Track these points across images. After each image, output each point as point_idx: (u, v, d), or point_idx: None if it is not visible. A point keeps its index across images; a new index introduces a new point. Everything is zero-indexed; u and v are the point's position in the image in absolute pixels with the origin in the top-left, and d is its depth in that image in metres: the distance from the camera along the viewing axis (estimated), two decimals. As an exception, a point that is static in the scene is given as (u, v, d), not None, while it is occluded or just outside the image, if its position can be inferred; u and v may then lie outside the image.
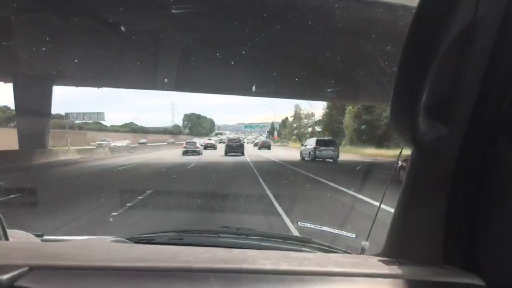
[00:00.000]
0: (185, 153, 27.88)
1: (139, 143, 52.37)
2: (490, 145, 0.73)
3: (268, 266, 0.76)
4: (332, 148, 22.14)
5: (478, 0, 0.67)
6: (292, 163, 20.11)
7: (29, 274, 0.71)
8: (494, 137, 0.73)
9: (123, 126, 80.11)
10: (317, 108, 72.84)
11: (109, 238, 1.18)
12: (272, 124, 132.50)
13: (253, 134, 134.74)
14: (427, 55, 0.68)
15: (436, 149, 0.79)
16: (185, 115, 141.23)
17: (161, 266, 0.76)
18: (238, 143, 29.16)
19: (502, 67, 0.69)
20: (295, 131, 72.36)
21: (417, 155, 0.83)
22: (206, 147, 35.76)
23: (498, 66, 0.69)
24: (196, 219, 5.68)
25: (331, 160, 21.60)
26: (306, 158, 22.88)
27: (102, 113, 36.26)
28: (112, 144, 39.69)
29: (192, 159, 22.52)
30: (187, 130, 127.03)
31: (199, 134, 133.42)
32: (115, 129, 66.25)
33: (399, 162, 5.59)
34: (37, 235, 1.20)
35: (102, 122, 65.23)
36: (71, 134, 41.03)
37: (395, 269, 0.80)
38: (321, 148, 21.82)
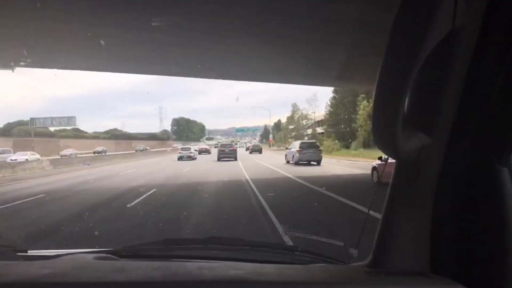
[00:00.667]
0: (180, 158, 29.08)
1: (94, 152, 40.90)
2: (473, 153, 0.74)
3: (252, 278, 0.78)
4: (314, 150, 22.84)
5: (456, 9, 0.67)
6: (277, 165, 21.48)
7: None
8: (477, 145, 0.73)
9: (105, 132, 74.83)
10: (317, 107, 70.09)
11: (93, 254, 1.12)
12: (265, 127, 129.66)
13: (246, 138, 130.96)
14: (407, 66, 0.69)
15: (419, 159, 0.79)
16: (174, 120, 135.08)
17: (139, 281, 0.76)
18: (230, 148, 28.80)
19: (482, 76, 0.70)
20: (293, 133, 66.94)
21: (400, 165, 0.84)
22: (200, 152, 37.05)
23: (478, 76, 0.70)
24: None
25: (315, 163, 22.20)
26: (290, 162, 23.29)
27: (74, 118, 31.35)
28: (61, 153, 33.47)
29: (166, 175, 16.82)
30: (175, 136, 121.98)
31: (189, 139, 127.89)
32: (94, 136, 60.94)
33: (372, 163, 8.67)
34: (20, 251, 1.20)
35: (81, 128, 60.05)
36: (40, 143, 35.85)
37: (380, 280, 0.80)
38: (304, 151, 22.45)
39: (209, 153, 36.85)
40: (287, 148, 26.83)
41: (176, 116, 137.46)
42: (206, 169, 20.00)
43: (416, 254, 0.84)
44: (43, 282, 0.76)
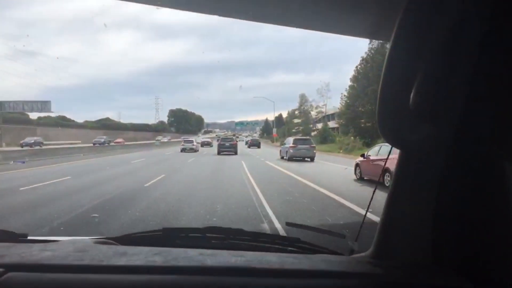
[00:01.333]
0: (183, 150, 30.88)
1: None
2: (478, 146, 0.74)
3: (252, 266, 0.80)
4: (308, 146, 22.58)
5: (463, 3, 0.68)
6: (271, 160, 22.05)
7: (6, 275, 0.72)
8: (482, 137, 0.74)
9: (96, 122, 69.73)
10: (329, 99, 60.65)
11: (93, 239, 1.14)
12: (266, 120, 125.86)
13: (245, 132, 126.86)
14: (413, 57, 0.71)
15: (424, 150, 0.80)
16: (171, 111, 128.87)
17: (141, 265, 0.77)
18: (231, 142, 28.67)
19: (489, 68, 0.70)
20: (300, 128, 59.60)
21: (404, 156, 0.85)
22: (203, 144, 40.16)
23: (485, 67, 0.70)
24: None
25: (308, 160, 22.00)
26: (284, 157, 23.23)
27: (48, 102, 26.38)
28: (22, 142, 27.77)
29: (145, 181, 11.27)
30: (172, 128, 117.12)
31: (187, 132, 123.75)
32: (81, 125, 55.29)
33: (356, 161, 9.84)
34: (20, 236, 1.19)
35: (68, 116, 54.78)
36: (11, 130, 30.68)
37: (381, 270, 0.81)
38: (298, 147, 22.29)
39: (211, 146, 38.80)
40: (282, 144, 26.38)
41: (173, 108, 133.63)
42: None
43: (418, 245, 0.85)
44: (44, 264, 0.77)
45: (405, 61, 0.70)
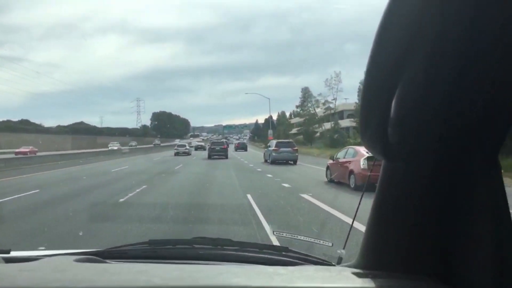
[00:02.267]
0: (177, 154, 34.16)
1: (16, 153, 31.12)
2: (462, 154, 0.78)
3: (238, 283, 0.81)
4: (290, 149, 23.09)
5: (444, 11, 0.69)
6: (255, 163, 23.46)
7: None
8: (465, 146, 0.77)
9: (67, 127, 68.24)
10: (341, 92, 47.18)
11: (77, 254, 1.13)
12: (256, 123, 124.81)
13: (234, 135, 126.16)
14: (394, 66, 0.71)
15: (407, 160, 0.82)
16: (154, 114, 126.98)
17: (123, 287, 0.78)
18: (222, 146, 29.18)
19: (471, 78, 0.72)
20: (301, 129, 51.71)
21: (388, 166, 0.87)
22: (196, 148, 44.86)
23: (468, 78, 0.72)
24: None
25: (291, 163, 22.43)
26: (267, 160, 23.94)
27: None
28: None
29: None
30: (155, 132, 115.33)
31: (172, 136, 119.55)
32: (41, 130, 52.88)
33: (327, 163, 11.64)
34: (2, 252, 1.19)
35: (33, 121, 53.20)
36: None
37: (367, 282, 0.84)
38: (281, 149, 22.87)
39: (204, 149, 41.05)
40: (268, 147, 26.51)
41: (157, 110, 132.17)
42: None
43: (404, 255, 0.88)
44: (23, 287, 0.79)
45: (386, 71, 0.70)
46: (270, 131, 49.83)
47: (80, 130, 65.06)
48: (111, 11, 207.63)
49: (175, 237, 1.44)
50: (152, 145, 62.58)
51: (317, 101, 49.45)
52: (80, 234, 5.35)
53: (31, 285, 0.78)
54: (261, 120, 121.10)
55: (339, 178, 11.81)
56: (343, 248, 1.19)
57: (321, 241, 1.50)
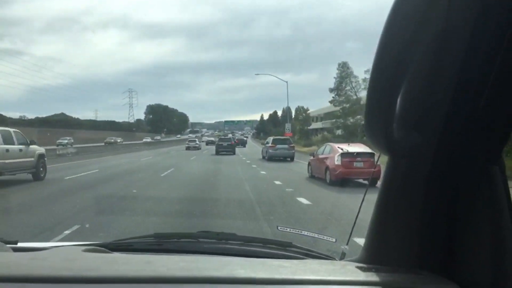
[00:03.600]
0: (188, 148, 40.53)
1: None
2: (464, 152, 0.84)
3: (243, 274, 0.87)
4: (287, 146, 24.89)
5: (449, 9, 0.76)
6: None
7: None
8: (467, 143, 0.83)
9: (36, 119, 67.09)
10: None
11: (84, 245, 1.24)
12: (262, 118, 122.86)
13: (236, 131, 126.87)
14: (400, 63, 0.78)
15: (411, 156, 0.89)
16: (149, 107, 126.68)
17: (131, 276, 0.84)
18: (229, 142, 33.24)
19: (474, 75, 0.79)
20: (339, 121, 40.83)
21: (392, 162, 0.94)
22: (207, 143, 53.48)
23: (470, 74, 0.79)
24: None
25: (288, 159, 24.33)
26: (265, 157, 25.80)
27: None
28: None
29: None
30: (150, 127, 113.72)
31: (168, 132, 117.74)
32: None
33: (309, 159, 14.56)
34: (10, 243, 1.29)
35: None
36: None
37: (370, 276, 0.91)
38: (277, 146, 24.78)
39: (214, 144, 44.51)
40: (266, 143, 28.12)
41: (153, 103, 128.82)
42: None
43: (407, 250, 0.94)
44: (33, 275, 0.85)
45: (391, 68, 0.78)
46: (287, 126, 40.48)
47: (52, 123, 61.25)
48: (113, 5, 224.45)
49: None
50: (141, 141, 61.11)
51: (357, 82, 39.25)
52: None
53: (43, 273, 0.84)
54: (266, 116, 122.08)
55: (318, 173, 13.48)
56: (347, 244, 1.29)
57: (325, 237, 1.62)
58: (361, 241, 1.10)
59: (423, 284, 0.86)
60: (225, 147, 31.90)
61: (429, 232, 0.90)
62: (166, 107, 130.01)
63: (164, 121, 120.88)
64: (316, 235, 1.64)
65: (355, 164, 11.58)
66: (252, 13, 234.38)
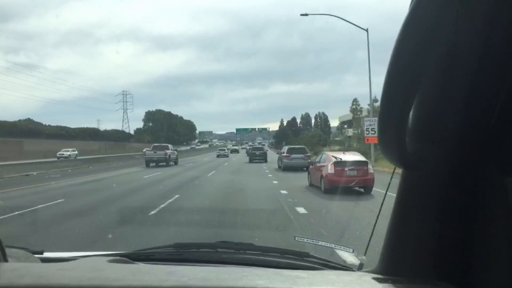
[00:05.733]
0: (218, 156, 55.66)
1: None
2: (479, 164, 0.95)
3: (261, 285, 1.01)
4: (303, 156, 28.03)
5: (460, 20, 0.86)
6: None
7: None
8: (481, 155, 0.94)
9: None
10: None
11: (107, 256, 1.48)
12: (281, 124, 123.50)
13: (248, 141, 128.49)
14: (413, 76, 0.90)
15: (425, 169, 1.02)
16: (148, 113, 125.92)
17: (154, 286, 1.00)
18: (261, 151, 44.04)
19: (487, 88, 0.89)
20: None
21: (406, 174, 1.08)
22: (232, 151, 71.87)
23: (484, 87, 0.89)
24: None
25: (305, 169, 25.29)
26: (280, 167, 29.66)
27: None
28: None
29: None
30: (150, 137, 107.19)
31: (173, 142, 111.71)
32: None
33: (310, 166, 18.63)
34: (36, 253, 1.53)
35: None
36: None
37: (387, 287, 1.04)
38: (292, 156, 28.08)
39: (238, 152, 66.03)
40: (281, 153, 31.53)
41: (153, 109, 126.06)
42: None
43: (423, 261, 1.07)
44: (63, 285, 0.99)
45: (404, 80, 0.91)
46: (368, 121, 28.49)
47: (10, 132, 56.89)
48: (125, 19, 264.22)
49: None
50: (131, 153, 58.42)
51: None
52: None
53: (72, 283, 0.99)
54: (285, 122, 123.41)
55: (316, 182, 15.98)
56: (364, 255, 1.51)
57: (342, 247, 1.91)
58: (370, 249, 1.40)
59: None
60: (258, 156, 41.91)
61: (445, 243, 1.03)
62: (169, 113, 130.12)
63: (166, 130, 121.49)
64: (333, 246, 1.89)
65: (348, 172, 13.77)
66: (262, 24, 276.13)
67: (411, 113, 0.94)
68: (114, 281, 1.03)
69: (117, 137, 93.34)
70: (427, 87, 0.93)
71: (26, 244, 1.57)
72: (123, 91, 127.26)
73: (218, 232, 7.97)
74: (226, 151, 63.68)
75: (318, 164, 16.04)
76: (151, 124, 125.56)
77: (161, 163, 34.15)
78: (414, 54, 0.89)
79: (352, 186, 13.84)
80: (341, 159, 14.43)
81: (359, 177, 13.73)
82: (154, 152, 35.19)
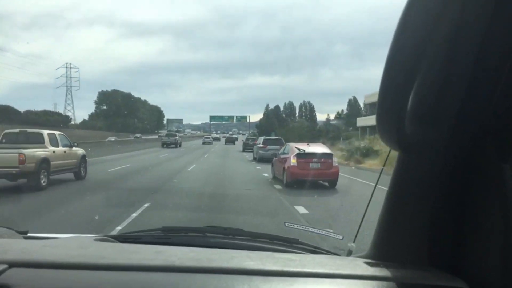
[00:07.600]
0: (204, 143, 74.46)
1: None
2: (475, 148, 1.07)
3: (252, 266, 1.14)
4: (278, 147, 28.92)
5: (463, 6, 0.97)
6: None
7: (8, 271, 1.05)
8: (479, 140, 1.06)
9: None
10: None
11: (93, 236, 1.71)
12: (266, 112, 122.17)
13: (220, 130, 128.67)
14: (413, 59, 1.02)
15: (422, 152, 1.14)
16: (101, 94, 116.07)
17: (143, 264, 1.11)
18: (253, 141, 51.72)
19: (487, 72, 1.00)
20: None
21: (403, 158, 1.20)
22: (214, 139, 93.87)
23: (484, 71, 1.00)
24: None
25: None
26: (255, 157, 33.30)
27: None
28: None
29: None
30: (102, 123, 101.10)
31: (134, 130, 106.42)
32: None
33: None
34: (21, 233, 1.77)
35: None
36: None
37: (379, 271, 1.16)
38: (268, 147, 31.15)
39: (219, 140, 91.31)
40: (257, 144, 35.15)
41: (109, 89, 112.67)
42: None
43: (415, 247, 1.21)
44: (46, 260, 1.09)
45: (404, 63, 1.02)
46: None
47: None
48: (99, 2, 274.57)
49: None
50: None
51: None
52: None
53: (56, 259, 1.07)
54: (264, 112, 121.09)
55: (278, 174, 17.06)
56: (353, 242, 1.70)
57: (332, 234, 2.16)
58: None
59: (431, 280, 1.09)
60: (251, 145, 45.00)
61: (438, 229, 1.16)
62: (129, 94, 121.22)
63: (124, 115, 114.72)
64: (323, 232, 2.15)
65: (311, 165, 14.74)
66: (241, 14, 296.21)
67: (410, 95, 1.05)
68: (100, 259, 1.12)
69: (46, 120, 78.90)
70: (427, 71, 1.03)
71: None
72: (66, 63, 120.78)
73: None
74: (211, 139, 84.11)
75: (281, 156, 17.14)
76: (104, 107, 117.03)
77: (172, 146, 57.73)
78: (415, 37, 1.00)
79: (315, 179, 14.79)
80: (304, 150, 15.35)
81: (323, 170, 14.73)
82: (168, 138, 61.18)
